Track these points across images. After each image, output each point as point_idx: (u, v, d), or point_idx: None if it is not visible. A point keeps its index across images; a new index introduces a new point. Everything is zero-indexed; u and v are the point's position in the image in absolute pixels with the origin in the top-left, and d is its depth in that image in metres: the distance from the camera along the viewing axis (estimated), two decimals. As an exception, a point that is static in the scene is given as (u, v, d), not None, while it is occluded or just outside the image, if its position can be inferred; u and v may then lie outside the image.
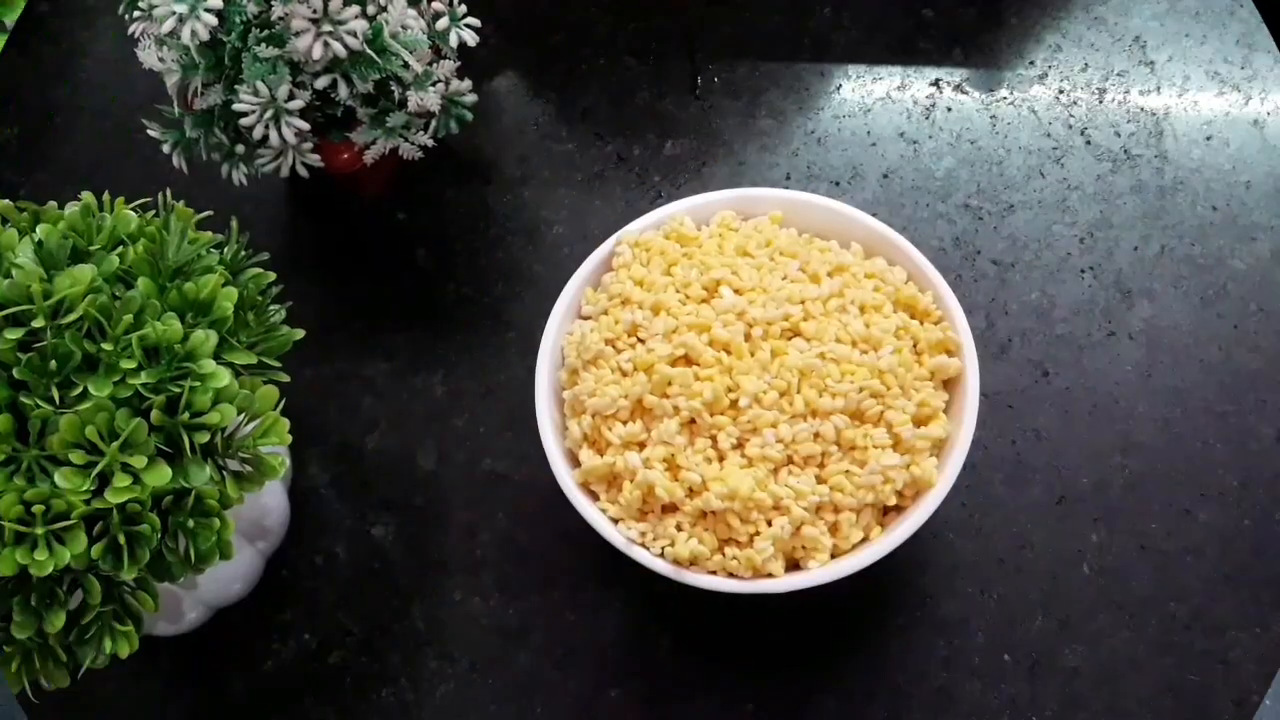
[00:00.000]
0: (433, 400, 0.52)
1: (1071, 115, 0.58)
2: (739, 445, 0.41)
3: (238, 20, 0.46)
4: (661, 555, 0.41)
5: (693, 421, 0.41)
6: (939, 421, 0.42)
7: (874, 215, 0.47)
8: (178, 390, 0.36)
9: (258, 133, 0.46)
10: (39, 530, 0.34)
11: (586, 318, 0.46)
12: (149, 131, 0.49)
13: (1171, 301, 0.53)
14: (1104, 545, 0.48)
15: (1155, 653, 0.46)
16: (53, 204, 0.41)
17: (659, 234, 0.47)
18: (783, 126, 0.58)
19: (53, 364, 0.35)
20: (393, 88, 0.48)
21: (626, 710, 0.46)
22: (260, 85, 0.45)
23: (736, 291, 0.43)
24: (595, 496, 0.43)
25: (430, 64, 0.49)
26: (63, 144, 0.60)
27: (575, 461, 0.43)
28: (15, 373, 0.35)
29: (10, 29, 0.64)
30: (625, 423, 0.42)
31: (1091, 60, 0.59)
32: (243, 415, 0.38)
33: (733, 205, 0.48)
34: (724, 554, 0.41)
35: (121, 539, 0.35)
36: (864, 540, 0.41)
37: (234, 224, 0.43)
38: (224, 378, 0.37)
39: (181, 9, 0.44)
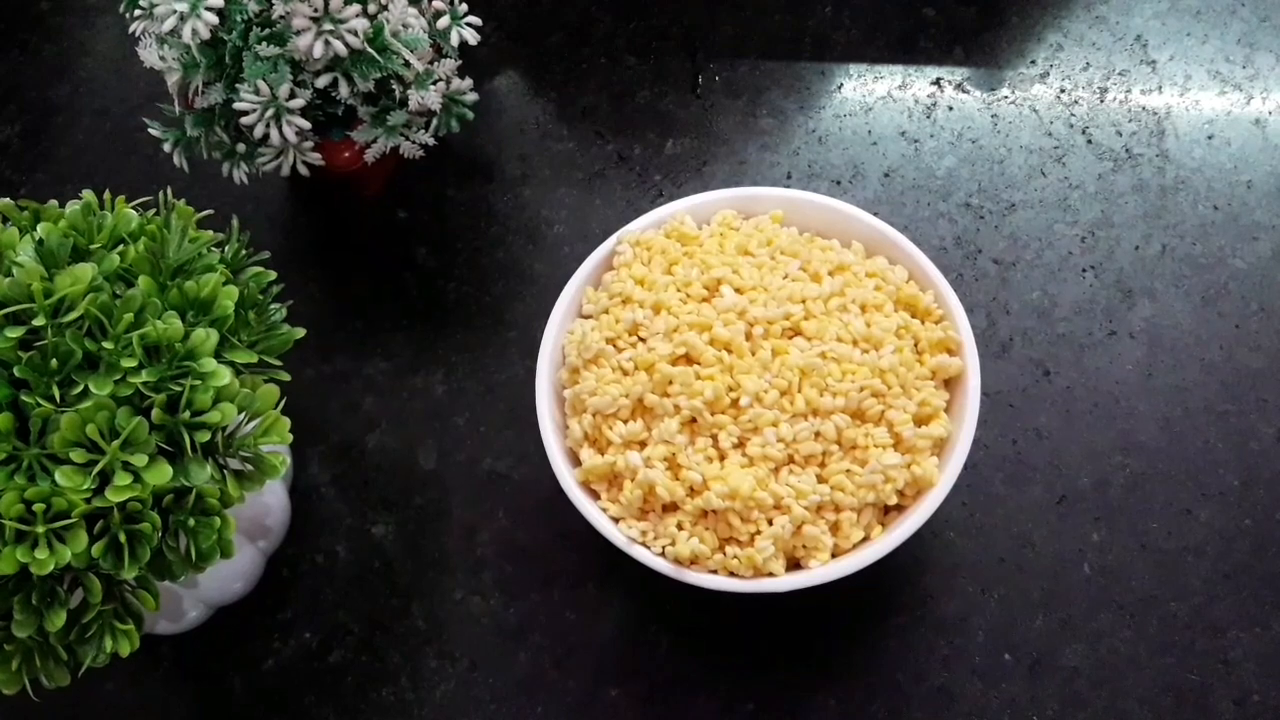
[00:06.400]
0: (433, 399, 0.52)
1: (1073, 114, 0.58)
2: (740, 444, 0.41)
3: (239, 19, 0.46)
4: (662, 554, 0.41)
5: (693, 420, 0.41)
6: (940, 421, 0.42)
7: (875, 214, 0.47)
8: (178, 389, 0.36)
9: (258, 131, 0.46)
10: (39, 529, 0.34)
11: (587, 316, 0.46)
12: (150, 130, 0.49)
13: (1173, 301, 0.53)
14: (1104, 544, 0.48)
15: (1155, 652, 0.46)
16: (53, 202, 0.41)
17: (660, 233, 0.47)
18: (784, 125, 0.58)
19: (53, 362, 0.35)
20: (394, 86, 0.48)
21: (626, 710, 0.46)
22: (261, 84, 0.45)
23: (737, 290, 0.43)
24: (596, 495, 0.43)
25: (431, 63, 0.49)
26: (63, 143, 0.60)
27: (576, 460, 0.43)
28: (16, 371, 0.35)
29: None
30: (626, 422, 0.42)
31: (1093, 59, 0.59)
32: (243, 414, 0.38)
33: (734, 204, 0.47)
34: (725, 553, 0.41)
35: (122, 537, 0.35)
36: (865, 539, 0.41)
37: (235, 223, 0.43)
38: (225, 376, 0.37)
39: (182, 7, 0.44)
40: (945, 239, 0.55)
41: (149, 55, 0.47)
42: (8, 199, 0.40)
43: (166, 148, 0.49)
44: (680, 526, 0.41)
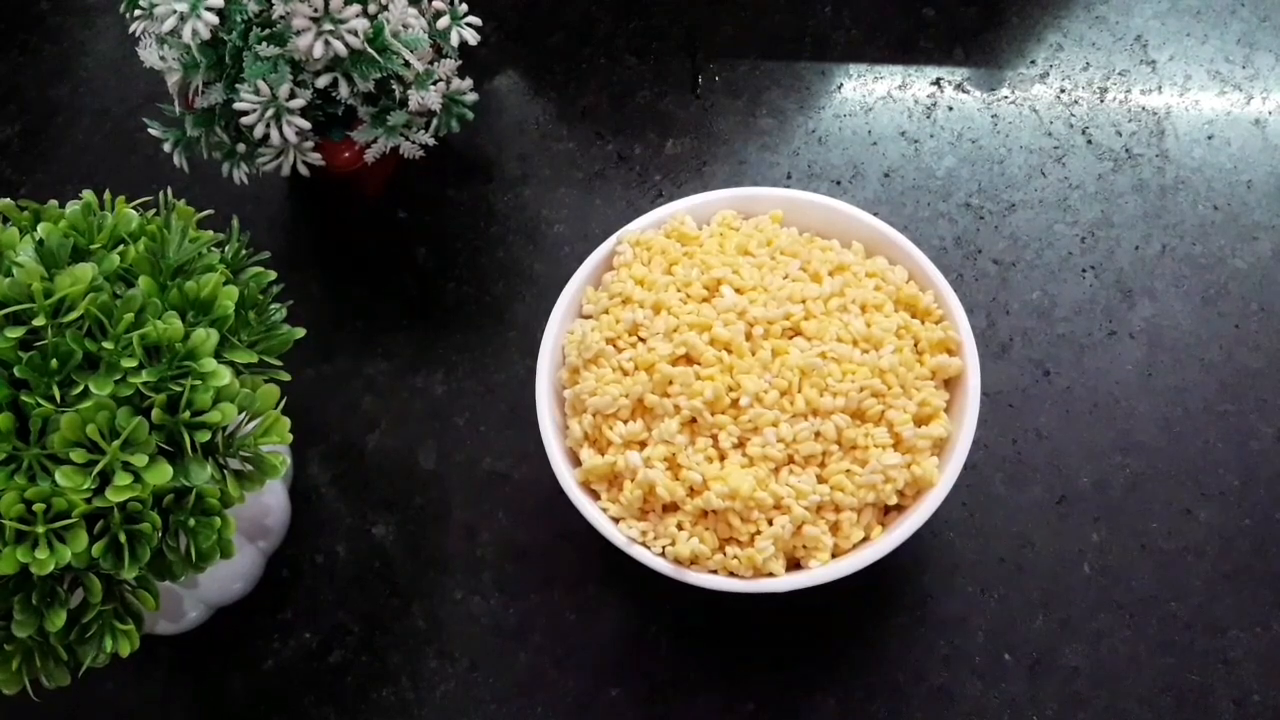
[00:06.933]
0: (433, 399, 0.52)
1: (1073, 114, 0.58)
2: (740, 444, 0.41)
3: (239, 19, 0.46)
4: (662, 554, 0.41)
5: (694, 421, 0.41)
6: (940, 421, 0.42)
7: (875, 214, 0.47)
8: (179, 389, 0.36)
9: (259, 131, 0.46)
10: (40, 529, 0.34)
11: (587, 317, 0.46)
12: (150, 130, 0.49)
13: (1172, 301, 0.53)
14: (1104, 544, 0.48)
15: (1155, 652, 0.46)
16: (54, 202, 0.41)
17: (660, 233, 0.47)
18: (784, 125, 0.58)
19: (54, 362, 0.35)
20: (394, 86, 0.48)
21: (626, 709, 0.46)
22: (261, 84, 0.45)
23: (737, 291, 0.43)
24: (596, 496, 0.43)
25: (431, 63, 0.49)
26: (64, 143, 0.60)
27: (576, 461, 0.43)
28: (16, 371, 0.35)
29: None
30: (626, 422, 0.42)
31: (1093, 59, 0.59)
32: (244, 414, 0.38)
33: (734, 204, 0.48)
34: (725, 553, 0.41)
35: (122, 538, 0.35)
36: (865, 539, 0.41)
37: (235, 223, 0.43)
38: (225, 376, 0.37)
39: (182, 7, 0.44)
40: (945, 239, 0.55)
41: (149, 55, 0.47)
42: (8, 199, 0.40)
43: (166, 148, 0.49)
44: (680, 526, 0.41)
